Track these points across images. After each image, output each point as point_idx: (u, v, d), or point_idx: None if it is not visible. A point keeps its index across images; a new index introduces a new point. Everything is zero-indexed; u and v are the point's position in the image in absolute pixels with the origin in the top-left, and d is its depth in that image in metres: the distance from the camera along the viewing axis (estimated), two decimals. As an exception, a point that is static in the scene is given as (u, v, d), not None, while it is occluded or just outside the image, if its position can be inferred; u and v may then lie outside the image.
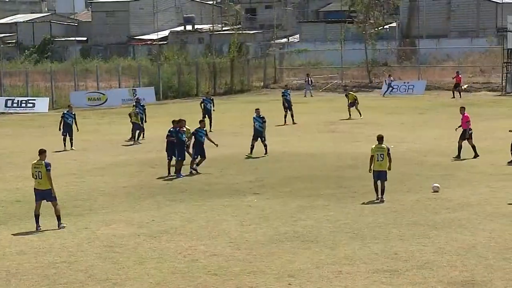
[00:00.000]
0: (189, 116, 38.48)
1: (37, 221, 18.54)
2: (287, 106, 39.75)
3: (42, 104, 50.65)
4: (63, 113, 32.91)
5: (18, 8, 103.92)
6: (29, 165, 27.11)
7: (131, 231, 18.11)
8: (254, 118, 29.31)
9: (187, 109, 46.24)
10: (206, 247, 16.60)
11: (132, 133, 34.08)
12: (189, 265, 15.28)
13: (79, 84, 55.67)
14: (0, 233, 18.21)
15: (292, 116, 39.50)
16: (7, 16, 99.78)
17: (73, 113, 32.88)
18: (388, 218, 18.68)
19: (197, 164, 25.76)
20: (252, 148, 28.79)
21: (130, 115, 34.53)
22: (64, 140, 32.15)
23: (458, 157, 26.88)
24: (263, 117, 29.21)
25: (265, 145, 28.94)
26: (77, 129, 32.70)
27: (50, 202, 18.67)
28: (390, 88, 56.24)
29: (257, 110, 29.66)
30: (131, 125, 34.31)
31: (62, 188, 23.68)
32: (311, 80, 58.91)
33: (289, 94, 40.45)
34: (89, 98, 53.12)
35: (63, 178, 25.30)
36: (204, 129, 26.29)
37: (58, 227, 18.55)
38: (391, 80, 56.97)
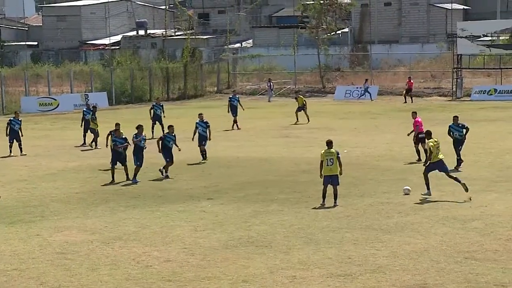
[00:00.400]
0: (141, 122, 38.30)
1: None
2: (233, 111, 39.58)
3: (-8, 109, 50.01)
4: (10, 120, 32.64)
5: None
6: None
7: (84, 238, 17.94)
8: (197, 123, 29.29)
9: (140, 114, 45.96)
10: (160, 253, 16.51)
11: (94, 139, 33.68)
12: (143, 271, 15.18)
13: (30, 90, 55.07)
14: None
15: (235, 121, 39.31)
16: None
17: (19, 119, 32.57)
18: (341, 223, 18.78)
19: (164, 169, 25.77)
20: (202, 153, 28.80)
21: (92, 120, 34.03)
22: (10, 146, 31.84)
23: (419, 160, 27.09)
24: (206, 122, 29.22)
25: (204, 150, 28.94)
26: (22, 135, 32.37)
27: None
28: (367, 93, 56.13)
29: (200, 115, 29.80)
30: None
31: (13, 194, 23.44)
32: (272, 85, 59.12)
33: (237, 100, 40.23)
34: (40, 104, 52.56)
35: (14, 184, 25.02)
36: (173, 134, 26.13)
37: None
38: (367, 86, 56.88)
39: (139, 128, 25.75)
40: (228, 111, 39.87)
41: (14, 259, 16.26)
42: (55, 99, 53.15)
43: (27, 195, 23.32)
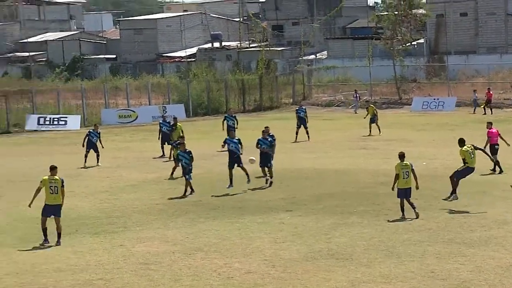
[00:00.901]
0: (218, 133, 38.65)
1: (45, 235, 18.79)
2: (301, 123, 39.50)
3: (74, 121, 51.03)
4: (89, 132, 33.23)
5: (47, 26, 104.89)
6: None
7: (166, 249, 18.14)
8: (260, 140, 26.57)
9: (217, 126, 46.19)
10: (241, 264, 16.59)
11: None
12: (225, 283, 15.27)
13: (109, 102, 56.03)
14: (36, 251, 18.30)
15: (307, 132, 39.25)
16: (37, 35, 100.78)
17: (98, 132, 33.08)
18: (423, 236, 18.54)
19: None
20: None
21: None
22: (86, 156, 32.42)
23: (499, 171, 26.78)
24: (272, 135, 27.47)
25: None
26: (102, 146, 32.94)
27: (54, 218, 18.81)
28: (476, 104, 54.47)
29: (266, 128, 27.71)
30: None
31: (96, 205, 23.87)
32: (358, 96, 58.89)
33: (304, 111, 40.08)
34: (120, 116, 53.43)
35: (97, 195, 25.47)
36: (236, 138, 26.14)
37: (57, 243, 18.74)
38: (477, 97, 54.86)
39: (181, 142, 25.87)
40: (297, 124, 39.92)
41: (99, 269, 16.55)
42: (134, 111, 53.95)
43: (110, 206, 23.71)
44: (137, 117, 53.20)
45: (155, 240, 19.10)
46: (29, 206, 19.04)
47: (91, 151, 32.52)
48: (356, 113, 56.06)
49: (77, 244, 18.74)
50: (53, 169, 19.05)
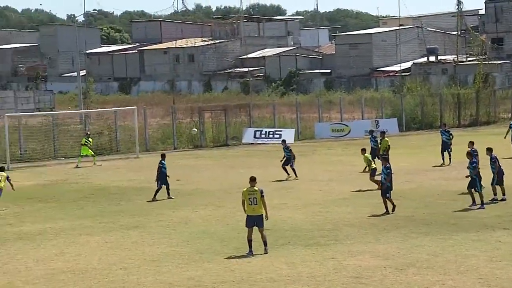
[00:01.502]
0: (432, 148, 37.95)
1: (250, 246, 19.22)
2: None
3: (288, 135, 51.98)
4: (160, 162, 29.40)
5: (266, 43, 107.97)
6: (276, 195, 28.02)
7: (377, 263, 18.05)
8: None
9: (430, 141, 45.58)
10: (455, 282, 16.18)
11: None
12: (437, 300, 14.95)
13: (323, 116, 56.64)
14: (252, 260, 18.82)
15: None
16: (256, 51, 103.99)
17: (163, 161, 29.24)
18: None
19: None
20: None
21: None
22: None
23: None
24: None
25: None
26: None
27: (257, 228, 19.22)
28: None
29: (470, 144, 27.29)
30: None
31: (308, 217, 24.20)
32: None
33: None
34: (332, 130, 53.87)
35: (309, 208, 25.83)
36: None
37: (265, 252, 19.19)
38: None
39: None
40: (505, 137, 38.43)
41: (311, 281, 16.75)
42: (347, 125, 54.18)
43: (321, 219, 23.94)
44: (349, 131, 53.37)
45: (366, 254, 19.05)
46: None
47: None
48: None
49: (289, 255, 19.09)
50: (252, 180, 19.50)
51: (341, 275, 17.09)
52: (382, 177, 24.76)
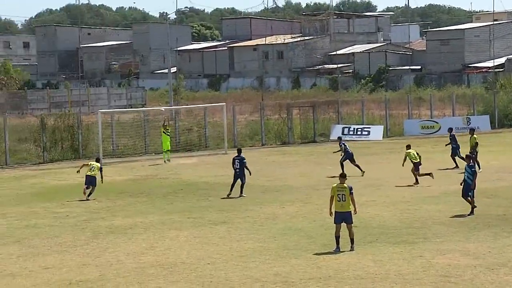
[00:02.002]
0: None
1: (337, 243, 19.16)
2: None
3: (376, 132, 51.59)
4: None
5: (355, 39, 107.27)
6: (364, 192, 27.86)
7: (467, 262, 17.73)
8: None
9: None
10: (547, 284, 15.74)
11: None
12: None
13: (412, 113, 55.93)
14: (339, 257, 18.74)
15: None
16: (345, 47, 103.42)
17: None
18: None
19: None
20: None
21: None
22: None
23: None
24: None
25: None
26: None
27: (346, 225, 19.18)
28: None
29: None
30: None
31: (396, 215, 23.95)
32: None
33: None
34: (422, 126, 53.12)
35: (398, 206, 25.56)
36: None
37: (351, 249, 19.09)
38: None
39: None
40: None
41: (399, 279, 16.57)
42: (437, 122, 53.32)
43: (410, 216, 23.66)
44: (439, 128, 52.50)
45: (456, 252, 18.73)
46: (330, 214, 19.58)
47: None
48: None
49: (377, 253, 18.93)
50: (342, 177, 19.47)
51: (429, 274, 16.85)
52: (465, 175, 24.19)
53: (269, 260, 18.61)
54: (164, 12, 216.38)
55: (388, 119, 53.55)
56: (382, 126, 52.49)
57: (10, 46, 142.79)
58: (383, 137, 50.89)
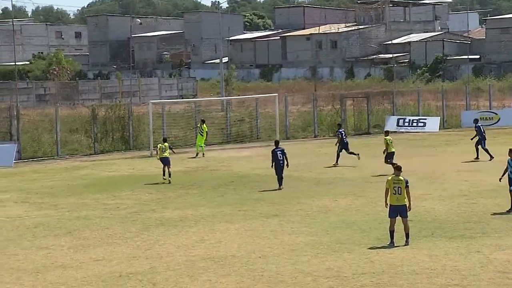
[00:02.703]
0: None
1: (392, 237, 19.01)
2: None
3: (432, 123, 51.08)
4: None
5: (411, 28, 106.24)
6: (420, 185, 27.60)
7: (526, 259, 17.44)
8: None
9: None
10: None
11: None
12: None
13: (470, 104, 55.25)
14: (393, 251, 18.61)
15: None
16: (401, 36, 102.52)
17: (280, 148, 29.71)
18: None
19: None
20: None
21: None
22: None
23: None
24: None
25: None
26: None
27: (401, 218, 19.02)
28: None
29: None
30: None
31: (453, 209, 23.69)
32: None
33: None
34: (480, 118, 52.39)
35: (455, 199, 25.28)
36: None
37: (406, 243, 18.93)
38: None
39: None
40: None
41: (455, 275, 16.38)
42: (496, 114, 52.56)
43: (467, 211, 23.37)
44: (499, 119, 51.75)
45: (515, 248, 18.46)
46: (386, 206, 19.44)
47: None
48: None
49: (432, 248, 18.74)
50: (398, 169, 19.30)
51: (487, 270, 16.63)
52: (509, 170, 23.56)
53: (321, 254, 18.55)
54: (216, 1, 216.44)
55: (444, 110, 52.98)
56: (439, 117, 51.95)
57: (62, 36, 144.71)
58: (439, 128, 50.36)
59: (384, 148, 32.31)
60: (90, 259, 18.85)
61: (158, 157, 32.41)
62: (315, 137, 48.34)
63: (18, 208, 26.41)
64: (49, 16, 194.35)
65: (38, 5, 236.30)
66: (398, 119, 51.14)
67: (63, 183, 31.98)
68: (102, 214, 24.76)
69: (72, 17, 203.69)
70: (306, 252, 18.82)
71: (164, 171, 31.56)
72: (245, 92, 75.93)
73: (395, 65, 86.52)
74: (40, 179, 33.37)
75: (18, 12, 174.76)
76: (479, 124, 36.47)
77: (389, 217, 19.20)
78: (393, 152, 31.92)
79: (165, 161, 31.60)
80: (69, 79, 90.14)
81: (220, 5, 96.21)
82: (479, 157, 34.90)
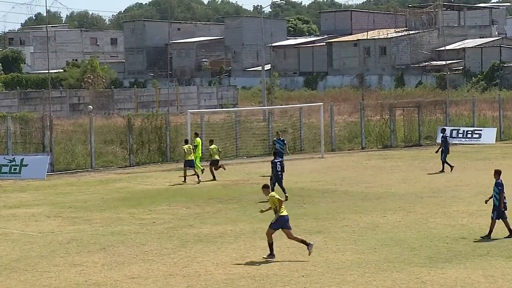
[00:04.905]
0: None
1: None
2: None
3: (489, 135, 50.64)
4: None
5: (466, 33, 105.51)
6: (474, 200, 27.37)
7: None
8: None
9: None
10: None
11: None
12: None
13: (530, 114, 54.72)
14: (446, 271, 18.48)
15: None
16: (455, 42, 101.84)
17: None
18: None
19: None
20: None
21: None
22: None
23: None
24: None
25: None
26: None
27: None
28: None
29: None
30: None
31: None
32: None
33: None
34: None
35: (511, 216, 24.98)
36: None
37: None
38: None
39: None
40: None
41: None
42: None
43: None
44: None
45: None
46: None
47: None
48: None
49: (488, 268, 18.60)
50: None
51: (546, 292, 16.46)
52: (493, 194, 22.76)
53: (368, 273, 18.50)
54: (258, 5, 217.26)
55: (501, 121, 52.52)
56: (495, 128, 51.51)
57: (98, 43, 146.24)
58: (496, 140, 49.90)
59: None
60: (125, 276, 19.01)
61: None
62: (362, 149, 48.22)
63: (50, 222, 26.72)
64: (83, 22, 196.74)
65: (72, 10, 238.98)
66: (452, 130, 50.77)
67: (97, 197, 32.29)
68: (137, 229, 24.94)
69: (107, 22, 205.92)
70: (352, 271, 18.78)
71: (185, 173, 34.50)
72: (288, 101, 76.03)
73: (449, 73, 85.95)
74: (74, 193, 33.74)
75: (52, 18, 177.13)
76: (447, 134, 37.72)
77: None
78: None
79: (188, 164, 34.49)
80: (104, 87, 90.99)
81: (263, 10, 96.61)
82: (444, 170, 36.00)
